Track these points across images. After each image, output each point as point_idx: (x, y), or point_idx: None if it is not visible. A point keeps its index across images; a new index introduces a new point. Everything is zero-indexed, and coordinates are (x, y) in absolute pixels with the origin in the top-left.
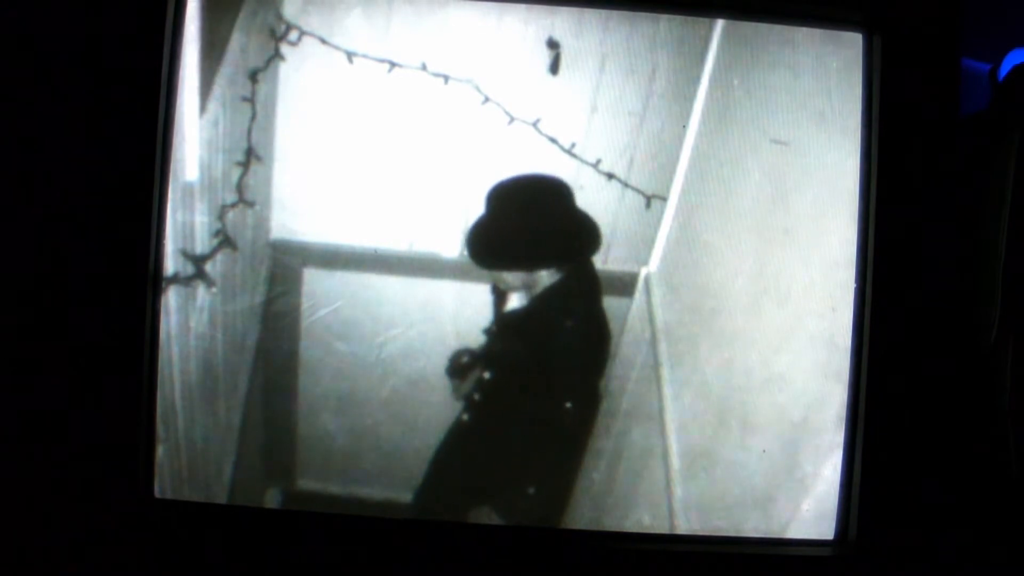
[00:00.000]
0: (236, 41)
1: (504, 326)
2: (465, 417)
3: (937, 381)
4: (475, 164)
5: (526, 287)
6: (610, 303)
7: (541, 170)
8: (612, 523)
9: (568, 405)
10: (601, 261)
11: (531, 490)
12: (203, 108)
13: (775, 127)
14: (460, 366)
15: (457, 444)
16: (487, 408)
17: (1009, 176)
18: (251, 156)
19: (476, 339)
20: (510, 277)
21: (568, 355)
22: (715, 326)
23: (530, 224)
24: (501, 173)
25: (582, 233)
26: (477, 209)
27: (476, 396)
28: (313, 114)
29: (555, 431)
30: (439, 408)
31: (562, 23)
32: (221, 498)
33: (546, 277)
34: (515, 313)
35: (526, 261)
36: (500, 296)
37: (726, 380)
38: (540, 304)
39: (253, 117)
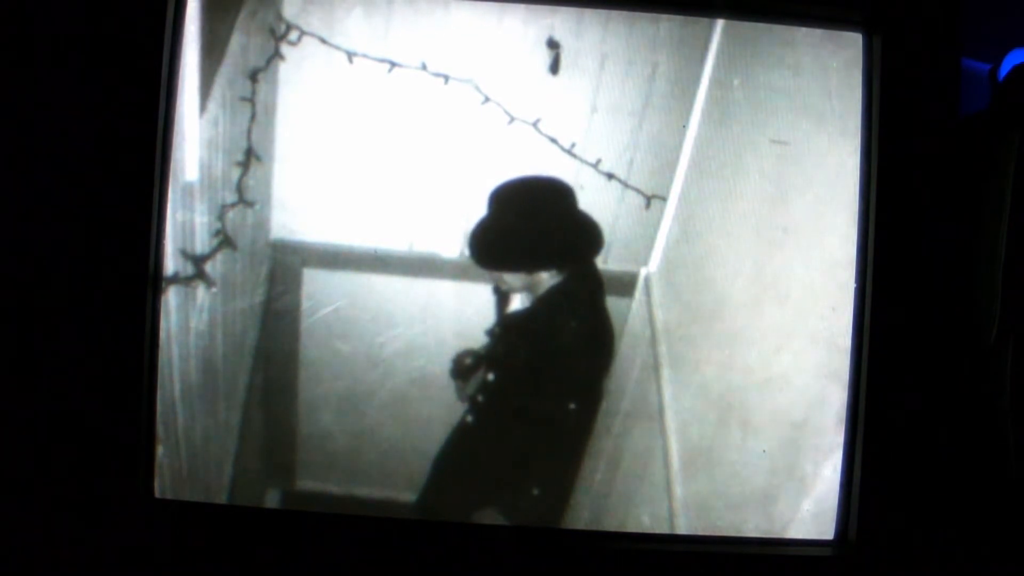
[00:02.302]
0: (236, 41)
1: (507, 327)
2: (469, 419)
3: (937, 381)
4: (475, 164)
5: (528, 288)
6: (610, 303)
7: (541, 170)
8: (612, 523)
9: (572, 406)
10: (601, 261)
11: (535, 491)
12: (203, 108)
13: (775, 127)
14: (464, 368)
15: (460, 445)
16: (491, 409)
17: (1009, 176)
18: (251, 156)
19: (478, 340)
20: (512, 278)
21: (572, 356)
22: (715, 326)
23: (532, 225)
24: (501, 173)
25: (584, 234)
26: (477, 209)
27: (480, 397)
28: (313, 114)
29: (560, 432)
30: (440, 408)
31: (562, 23)
32: (221, 498)
33: (548, 278)
34: (518, 314)
35: (528, 262)
36: (502, 297)
37: (726, 380)
38: (543, 305)
39: (253, 117)
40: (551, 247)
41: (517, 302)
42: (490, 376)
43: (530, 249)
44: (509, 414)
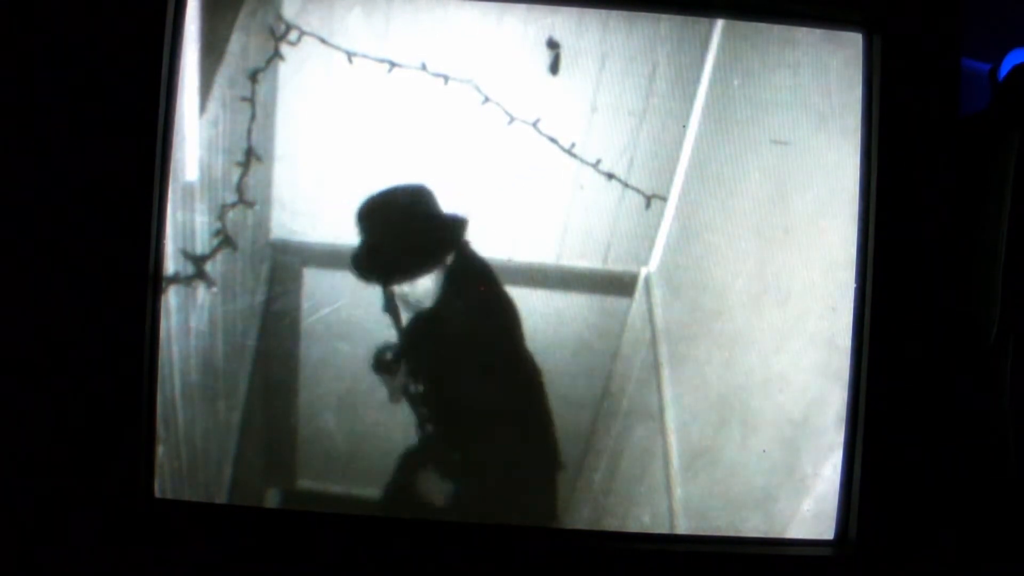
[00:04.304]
0: (236, 41)
1: (417, 329)
2: (428, 427)
3: (937, 381)
4: (475, 164)
5: (422, 296)
6: (610, 303)
7: (541, 169)
8: (612, 523)
9: (508, 379)
10: (601, 261)
11: (503, 474)
12: (203, 108)
13: (775, 127)
14: (385, 362)
15: (420, 445)
16: (434, 402)
17: (1009, 176)
18: (251, 156)
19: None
20: (406, 288)
21: (484, 333)
22: (715, 326)
23: (404, 232)
24: (501, 173)
25: (449, 222)
26: (478, 209)
27: (415, 390)
28: (313, 114)
29: (502, 407)
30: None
31: (562, 23)
32: (221, 498)
33: (434, 279)
34: (424, 314)
35: (413, 266)
36: (396, 309)
37: (726, 380)
38: (442, 302)
39: (253, 117)
40: (426, 245)
41: (419, 304)
42: (420, 379)
43: (409, 253)
44: (449, 403)
